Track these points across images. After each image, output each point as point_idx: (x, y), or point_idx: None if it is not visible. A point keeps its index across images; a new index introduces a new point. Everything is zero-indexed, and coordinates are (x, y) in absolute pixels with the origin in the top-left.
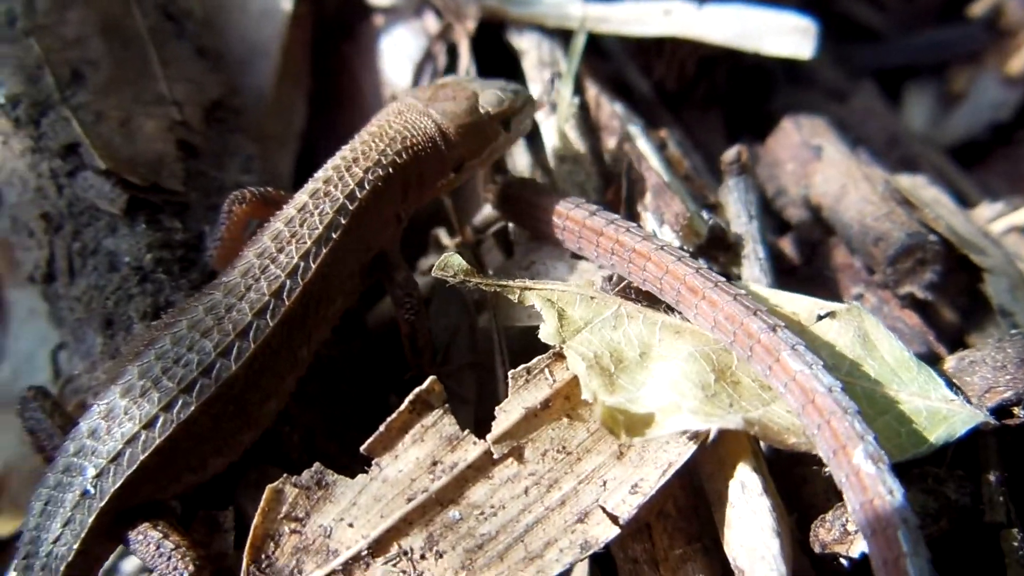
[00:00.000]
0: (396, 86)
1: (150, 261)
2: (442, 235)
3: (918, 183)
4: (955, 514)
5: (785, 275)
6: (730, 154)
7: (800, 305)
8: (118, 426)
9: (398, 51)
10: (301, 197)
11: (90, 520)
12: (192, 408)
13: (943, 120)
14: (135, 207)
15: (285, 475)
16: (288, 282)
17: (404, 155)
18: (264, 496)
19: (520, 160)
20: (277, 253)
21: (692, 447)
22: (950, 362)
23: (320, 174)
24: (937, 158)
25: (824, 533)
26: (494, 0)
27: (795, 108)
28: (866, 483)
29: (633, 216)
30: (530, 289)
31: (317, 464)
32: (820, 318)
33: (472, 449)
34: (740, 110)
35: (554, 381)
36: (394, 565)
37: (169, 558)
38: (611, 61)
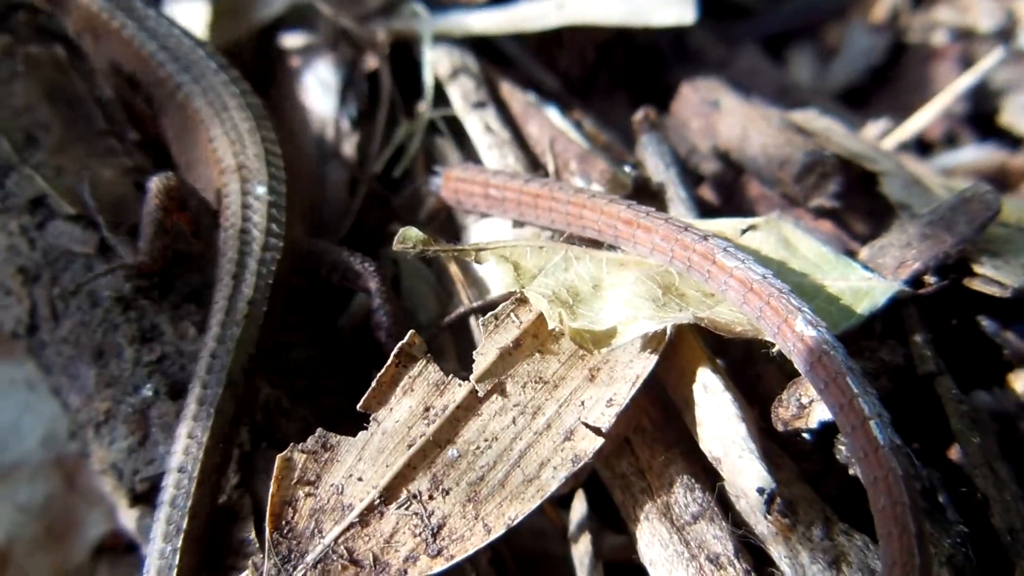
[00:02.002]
0: (325, 118)
1: (130, 290)
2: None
3: (810, 116)
4: (892, 373)
5: (710, 215)
6: (639, 115)
7: (725, 225)
8: None
9: (321, 85)
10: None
11: None
12: None
13: (825, 73)
14: (107, 245)
15: (292, 444)
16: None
17: None
18: (276, 466)
19: (451, 156)
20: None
21: (654, 358)
22: (864, 252)
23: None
24: (825, 102)
25: (783, 412)
26: (401, 23)
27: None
28: (811, 344)
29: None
30: (484, 249)
31: (320, 429)
32: (744, 232)
33: (459, 391)
34: (641, 90)
35: (521, 322)
36: (406, 508)
37: None
38: (516, 67)
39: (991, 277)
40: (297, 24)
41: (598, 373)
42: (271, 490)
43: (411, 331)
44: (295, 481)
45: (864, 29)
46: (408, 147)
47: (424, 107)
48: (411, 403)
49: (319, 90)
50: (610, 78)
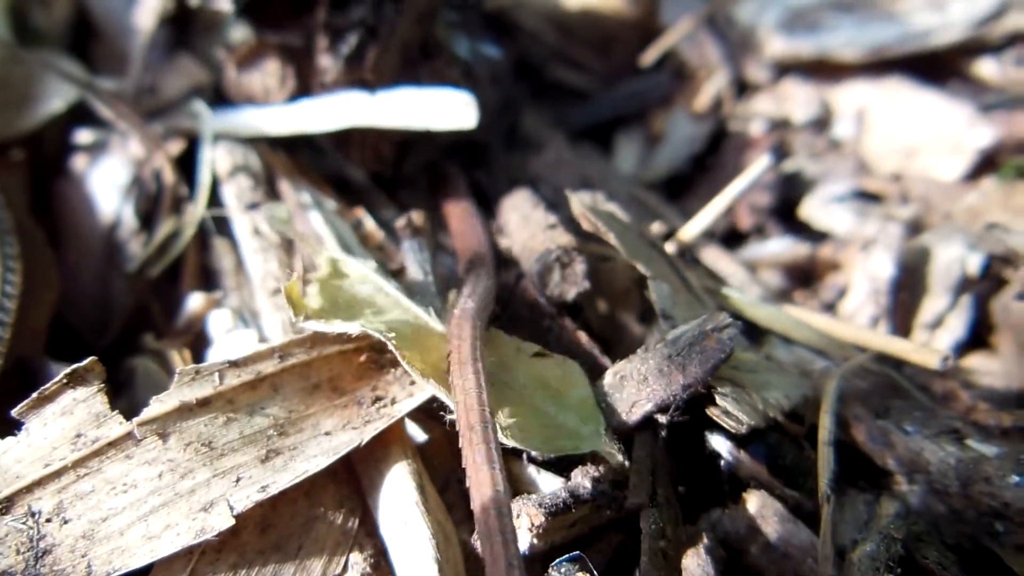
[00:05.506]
0: (112, 218)
1: None
2: (149, 339)
3: (598, 200)
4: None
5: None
6: (401, 220)
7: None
8: None
9: (107, 181)
10: None
11: None
12: None
13: (650, 160)
14: None
15: None
16: None
17: None
18: None
19: (227, 259)
20: None
21: (325, 461)
22: (607, 378)
23: None
24: (633, 191)
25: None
26: (189, 122)
27: (511, 171)
28: None
29: None
30: None
31: None
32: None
33: (116, 428)
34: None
35: (220, 384)
36: (21, 523)
37: None
38: (327, 156)
39: (729, 411)
40: (89, 120)
41: (276, 457)
42: None
43: (93, 357)
44: None
45: (687, 117)
46: (171, 247)
47: (194, 208)
48: (64, 425)
49: (106, 187)
50: (418, 171)
